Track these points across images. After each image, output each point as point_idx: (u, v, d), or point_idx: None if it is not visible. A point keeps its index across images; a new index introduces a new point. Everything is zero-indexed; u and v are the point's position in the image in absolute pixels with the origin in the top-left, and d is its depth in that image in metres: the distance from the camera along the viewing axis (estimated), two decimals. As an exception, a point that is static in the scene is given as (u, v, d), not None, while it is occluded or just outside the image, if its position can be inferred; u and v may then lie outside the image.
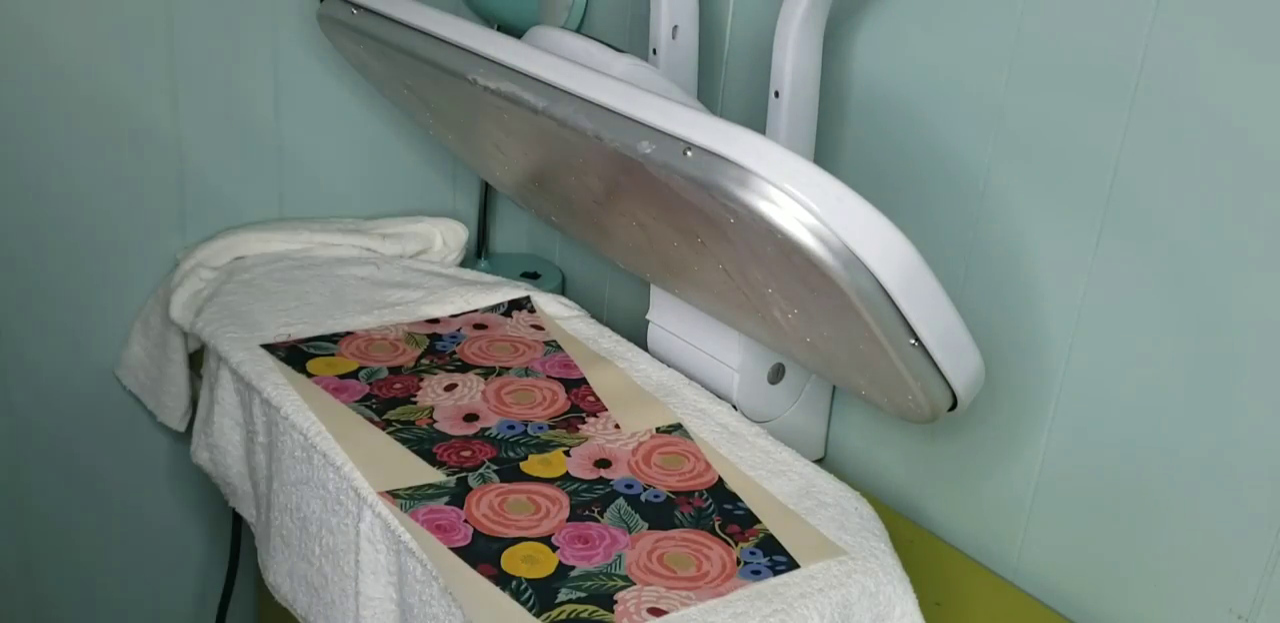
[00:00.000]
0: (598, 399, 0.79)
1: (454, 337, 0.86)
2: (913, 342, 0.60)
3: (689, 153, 0.58)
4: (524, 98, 0.66)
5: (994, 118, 0.71)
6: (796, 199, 0.55)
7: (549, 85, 0.65)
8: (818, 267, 0.56)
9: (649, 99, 0.61)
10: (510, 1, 0.96)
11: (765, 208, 0.55)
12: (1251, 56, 0.59)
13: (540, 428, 0.75)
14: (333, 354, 0.82)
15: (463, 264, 1.03)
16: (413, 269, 0.96)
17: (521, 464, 0.71)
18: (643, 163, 0.60)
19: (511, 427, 0.75)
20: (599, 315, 0.94)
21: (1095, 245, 0.68)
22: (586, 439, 0.74)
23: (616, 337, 0.87)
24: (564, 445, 0.74)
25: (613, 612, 0.59)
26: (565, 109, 0.63)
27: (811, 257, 0.56)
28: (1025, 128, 0.69)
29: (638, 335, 0.88)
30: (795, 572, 0.64)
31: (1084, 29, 0.65)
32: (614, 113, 0.61)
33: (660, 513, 0.68)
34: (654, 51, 0.81)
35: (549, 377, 0.81)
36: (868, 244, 0.56)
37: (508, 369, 0.82)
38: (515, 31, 0.88)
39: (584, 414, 0.77)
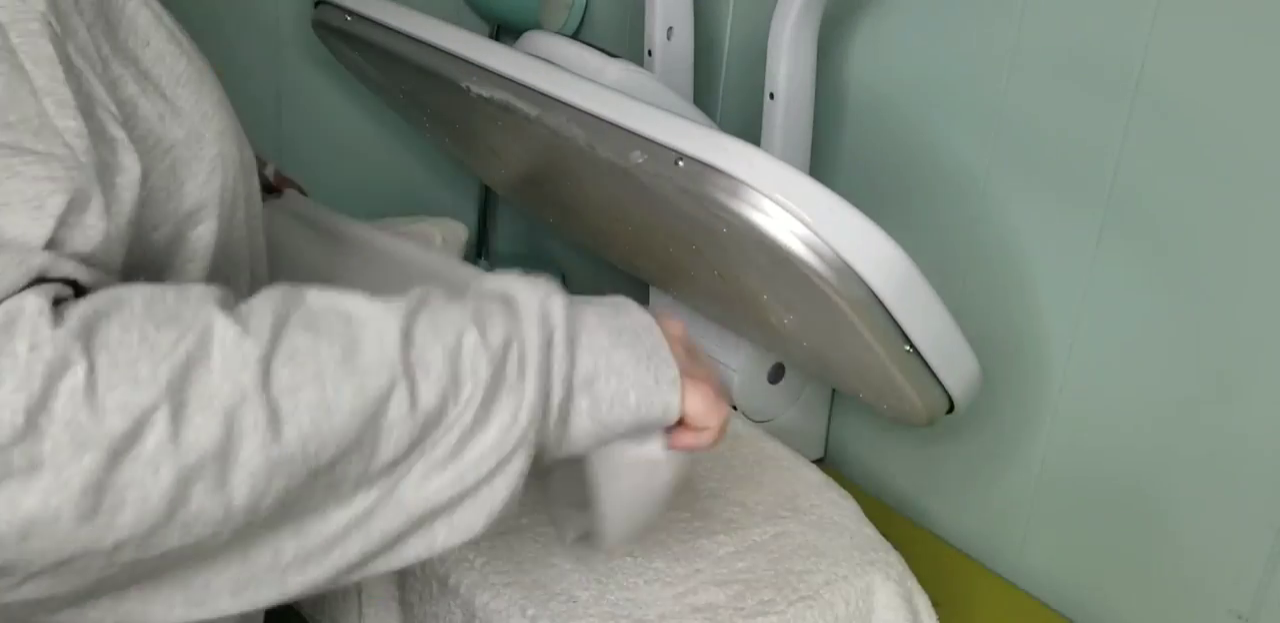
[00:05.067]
0: None
1: None
2: (908, 349, 0.60)
3: (681, 163, 0.58)
4: (517, 106, 0.66)
5: (994, 118, 0.70)
6: (788, 210, 0.55)
7: (542, 94, 0.64)
8: (810, 276, 0.56)
9: (642, 108, 0.60)
10: (511, 1, 0.95)
11: (757, 218, 0.55)
12: (1251, 56, 0.58)
13: None
14: None
15: (463, 264, 1.03)
16: (414, 269, 0.96)
17: None
18: (635, 172, 0.60)
19: None
20: (599, 315, 0.94)
21: (1095, 245, 0.67)
22: None
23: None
24: None
25: None
26: (558, 118, 0.63)
27: (803, 267, 0.56)
28: (1025, 128, 0.69)
29: (638, 336, 0.88)
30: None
31: (1084, 29, 0.65)
32: (606, 122, 0.61)
33: None
34: (649, 53, 0.80)
35: None
36: (860, 254, 0.56)
37: None
38: (516, 31, 0.87)
39: None
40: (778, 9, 0.69)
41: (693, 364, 0.48)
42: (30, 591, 0.37)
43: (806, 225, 0.55)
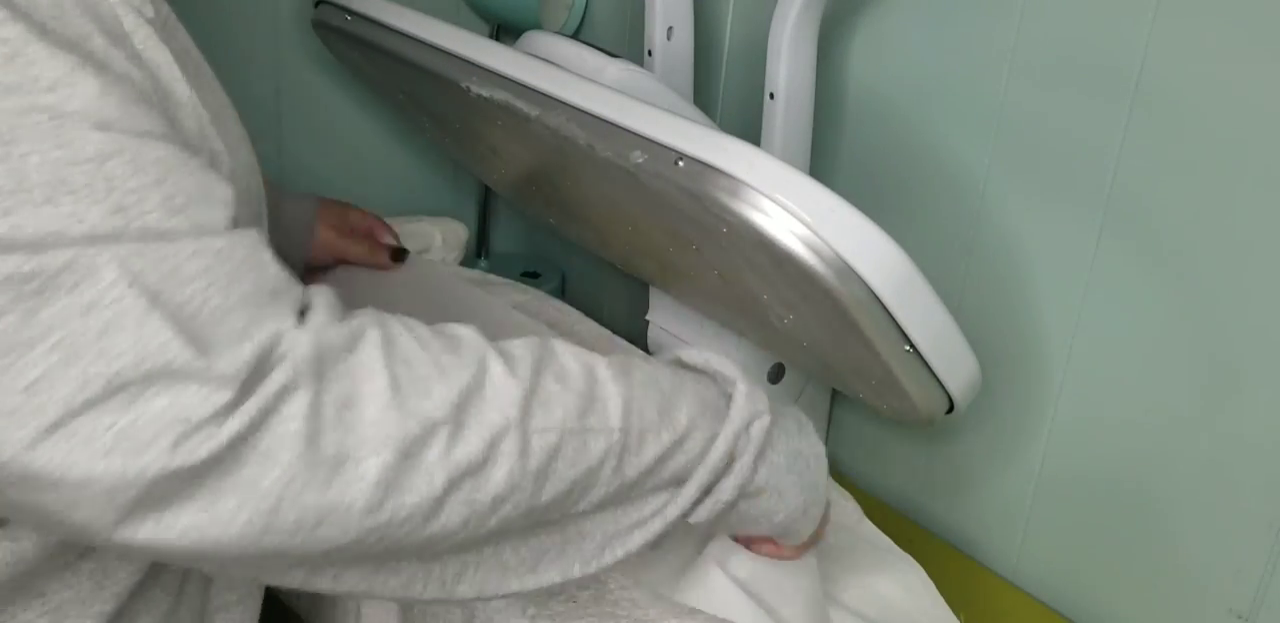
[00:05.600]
0: None
1: None
2: (908, 349, 0.60)
3: (681, 163, 0.58)
4: (517, 106, 0.66)
5: (994, 118, 0.70)
6: (788, 210, 0.55)
7: (541, 94, 0.65)
8: (810, 276, 0.56)
9: (641, 108, 0.60)
10: (511, 1, 0.95)
11: (757, 218, 0.55)
12: (1252, 56, 0.58)
13: None
14: None
15: (463, 264, 1.03)
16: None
17: None
18: (635, 172, 0.60)
19: None
20: (599, 316, 0.94)
21: (1095, 245, 0.67)
22: None
23: (615, 337, 0.87)
24: None
25: None
26: (557, 118, 0.63)
27: (803, 267, 0.56)
28: (1025, 128, 0.69)
29: (638, 336, 0.88)
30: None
31: (1084, 29, 0.65)
32: (606, 122, 0.61)
33: None
34: (649, 53, 0.80)
35: None
36: (860, 253, 0.56)
37: None
38: (516, 31, 0.88)
39: None
40: (778, 9, 0.69)
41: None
42: (290, 577, 0.42)
43: (806, 225, 0.55)
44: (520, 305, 0.90)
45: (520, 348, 0.45)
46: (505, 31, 0.99)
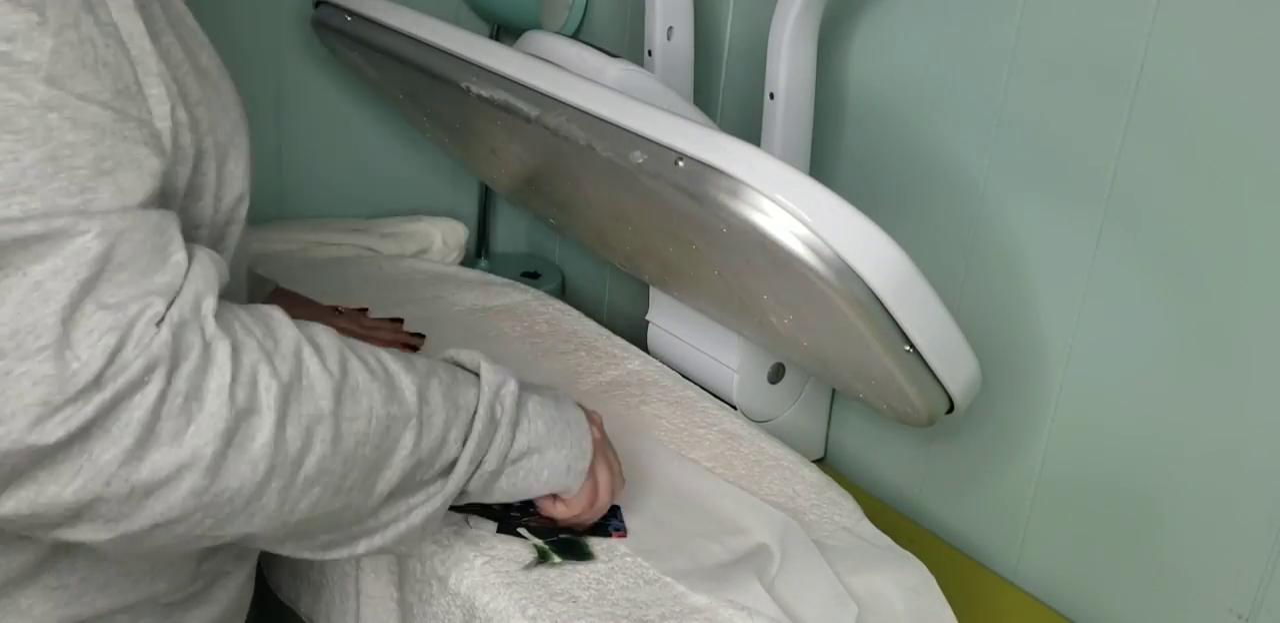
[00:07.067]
0: None
1: None
2: (908, 349, 0.60)
3: (681, 163, 0.58)
4: (517, 106, 0.66)
5: (993, 118, 0.70)
6: (788, 210, 0.55)
7: (542, 94, 0.65)
8: (810, 276, 0.56)
9: (641, 108, 0.61)
10: (511, 1, 0.95)
11: (757, 218, 0.55)
12: (1252, 56, 0.58)
13: None
14: None
15: (463, 264, 1.03)
16: (416, 270, 0.96)
17: None
18: (635, 172, 0.60)
19: None
20: (599, 316, 0.94)
21: (1095, 245, 0.67)
22: None
23: (615, 337, 0.87)
24: None
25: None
26: (558, 118, 0.63)
27: (803, 267, 0.56)
28: (1025, 128, 0.69)
29: (638, 336, 0.88)
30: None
31: (1084, 29, 0.65)
32: (606, 122, 0.61)
33: None
34: (649, 53, 0.80)
35: None
36: (860, 254, 0.56)
37: None
38: (516, 31, 0.88)
39: None
40: (778, 9, 0.69)
41: (600, 454, 0.60)
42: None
43: (806, 225, 0.55)
44: (520, 305, 0.91)
45: (324, 336, 0.49)
46: (505, 31, 0.99)
